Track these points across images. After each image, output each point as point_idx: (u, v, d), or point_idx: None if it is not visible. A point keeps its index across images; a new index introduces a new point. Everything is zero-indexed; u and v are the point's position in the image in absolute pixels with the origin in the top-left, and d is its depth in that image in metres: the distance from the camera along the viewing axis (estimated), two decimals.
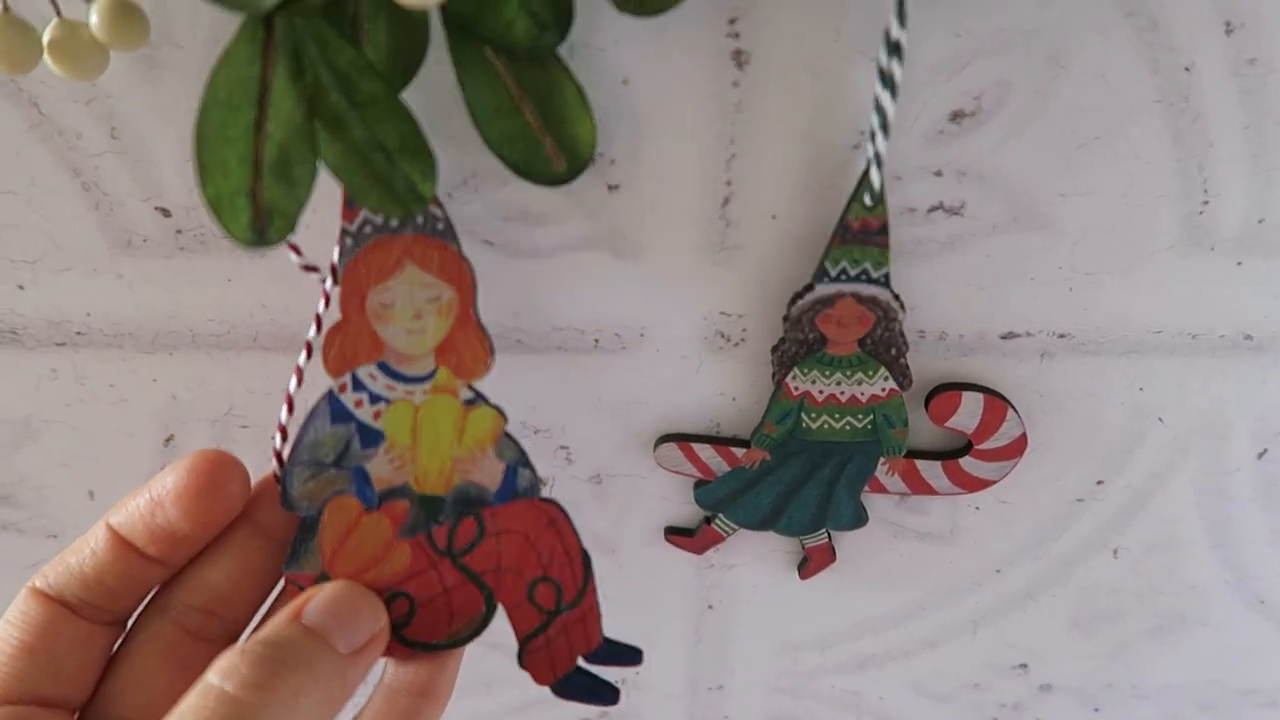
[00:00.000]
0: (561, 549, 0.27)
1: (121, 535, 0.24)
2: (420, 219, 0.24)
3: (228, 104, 0.20)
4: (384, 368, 0.25)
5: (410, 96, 0.25)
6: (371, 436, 0.26)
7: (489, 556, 0.26)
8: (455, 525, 0.26)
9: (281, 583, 0.26)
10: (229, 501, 0.25)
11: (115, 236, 0.27)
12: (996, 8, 0.24)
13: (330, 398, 0.25)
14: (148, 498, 0.24)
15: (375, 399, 0.25)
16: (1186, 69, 0.25)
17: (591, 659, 0.28)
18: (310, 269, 0.26)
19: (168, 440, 0.31)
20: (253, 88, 0.20)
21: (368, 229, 0.24)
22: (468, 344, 0.25)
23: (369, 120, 0.22)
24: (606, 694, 0.28)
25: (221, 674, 0.21)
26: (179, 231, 0.27)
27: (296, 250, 0.25)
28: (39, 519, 0.33)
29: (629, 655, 0.28)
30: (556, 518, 0.27)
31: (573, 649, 0.28)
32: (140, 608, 0.26)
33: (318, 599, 0.24)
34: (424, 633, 0.27)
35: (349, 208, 0.24)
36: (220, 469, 0.24)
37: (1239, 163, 0.26)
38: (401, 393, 0.26)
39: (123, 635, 0.26)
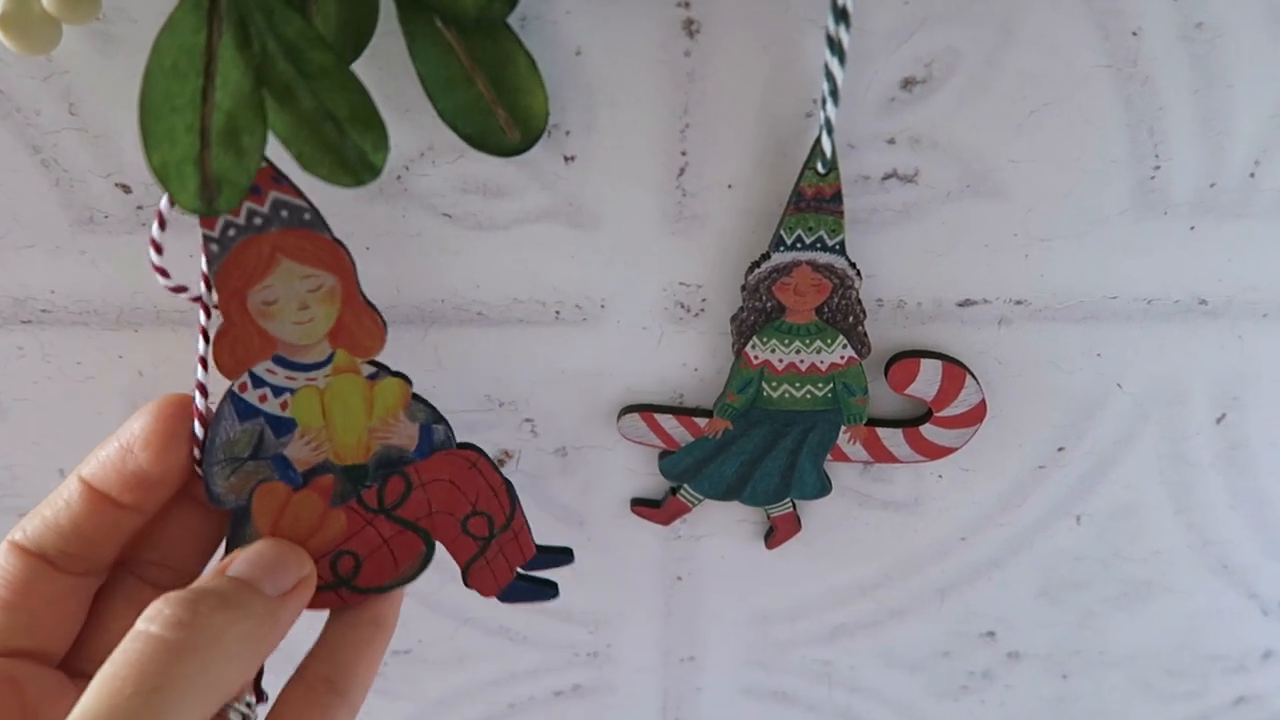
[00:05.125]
0: (486, 485, 0.28)
1: (94, 486, 0.25)
2: (285, 213, 0.24)
3: (173, 72, 0.20)
4: (280, 360, 0.26)
5: (365, 69, 0.25)
6: (283, 425, 0.26)
7: (420, 505, 0.28)
8: (383, 486, 0.27)
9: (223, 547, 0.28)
10: (194, 442, 0.26)
11: (76, 213, 0.28)
12: None
13: (232, 398, 0.26)
14: (117, 445, 0.25)
15: (278, 391, 0.26)
16: (1134, 34, 0.25)
17: (528, 567, 0.30)
18: (179, 290, 0.25)
19: None
20: (198, 56, 0.21)
21: (231, 232, 0.24)
22: (359, 324, 0.26)
23: (318, 91, 0.22)
24: (547, 592, 0.31)
25: (148, 618, 0.22)
26: (140, 208, 0.28)
27: (164, 273, 0.25)
28: (11, 498, 0.33)
29: (561, 557, 0.31)
30: (476, 460, 0.28)
31: (510, 563, 0.30)
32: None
33: (242, 555, 0.25)
34: (374, 580, 0.28)
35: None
36: (183, 410, 0.25)
37: (1189, 127, 0.27)
38: (303, 381, 0.26)
39: (99, 586, 0.26)
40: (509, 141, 0.25)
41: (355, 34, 0.23)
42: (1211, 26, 0.25)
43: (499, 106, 0.24)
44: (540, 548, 0.30)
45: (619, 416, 0.31)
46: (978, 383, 0.30)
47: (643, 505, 0.33)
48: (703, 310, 0.29)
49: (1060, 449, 0.33)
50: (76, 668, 0.26)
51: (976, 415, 0.30)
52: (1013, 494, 0.34)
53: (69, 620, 0.26)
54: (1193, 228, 0.28)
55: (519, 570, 0.30)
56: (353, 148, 0.23)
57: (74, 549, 0.25)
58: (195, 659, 0.22)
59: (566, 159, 0.27)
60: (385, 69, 0.25)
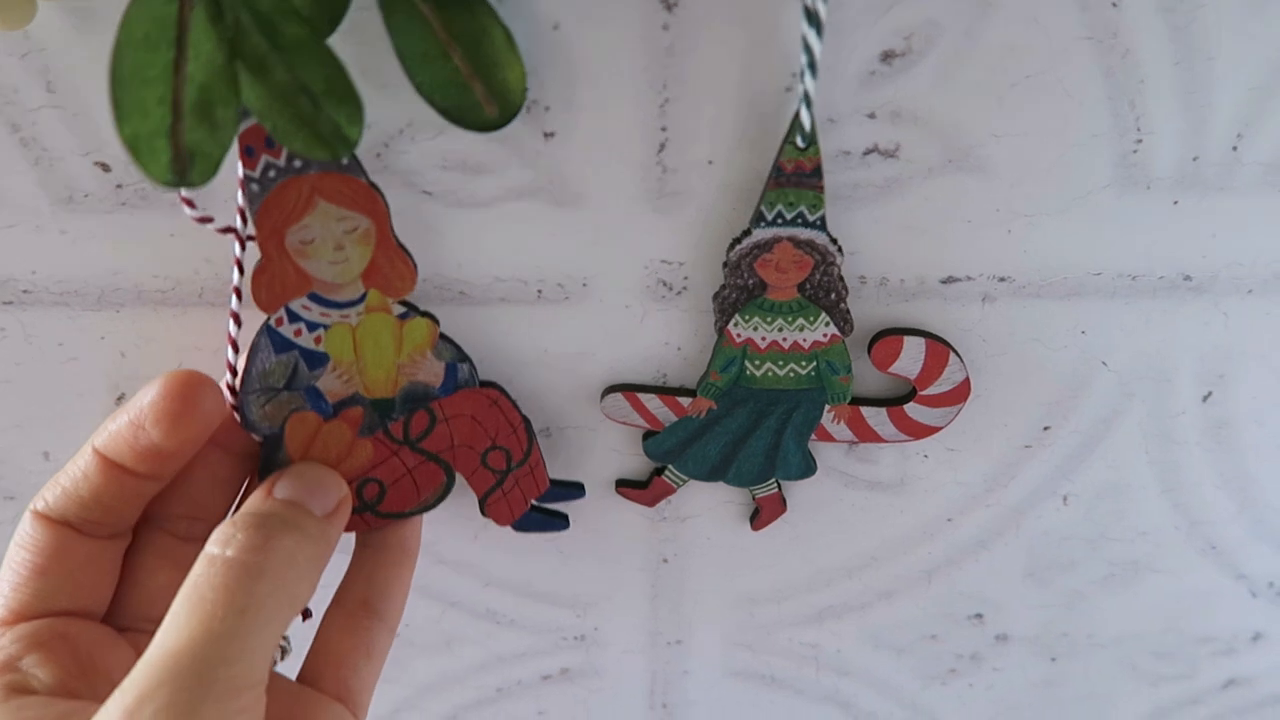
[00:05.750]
0: (505, 422, 0.30)
1: (108, 458, 0.25)
2: None
3: (144, 43, 0.20)
4: (315, 298, 0.27)
5: (343, 44, 0.25)
6: (316, 359, 0.28)
7: (443, 439, 0.29)
8: (409, 419, 0.29)
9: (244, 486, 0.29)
10: (206, 417, 0.26)
11: (57, 193, 0.27)
12: None
13: (269, 331, 0.27)
14: (127, 420, 0.25)
15: (313, 326, 0.27)
16: (1114, 5, 0.25)
17: (542, 500, 0.32)
18: (205, 220, 0.26)
19: (119, 399, 0.31)
20: (170, 28, 0.20)
21: (271, 173, 0.25)
22: (391, 265, 0.27)
23: (293, 64, 0.22)
24: (559, 523, 0.33)
25: (221, 543, 0.23)
26: (119, 186, 0.27)
27: (190, 204, 0.26)
28: None
29: (573, 491, 0.33)
30: (498, 398, 0.29)
31: (525, 495, 0.31)
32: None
33: (284, 478, 0.27)
34: (396, 506, 0.30)
35: (248, 155, 0.24)
36: (191, 388, 0.25)
37: (1171, 100, 0.26)
38: (337, 317, 0.27)
39: (127, 544, 0.27)
40: (487, 116, 0.25)
41: (331, 8, 0.23)
42: None
43: (476, 80, 0.24)
44: (554, 481, 0.32)
45: (602, 396, 0.31)
46: (961, 360, 0.30)
47: (627, 486, 0.33)
48: (685, 288, 0.29)
49: (1046, 428, 0.32)
50: (117, 621, 0.27)
51: (961, 393, 0.30)
52: (999, 474, 0.34)
53: (104, 578, 0.26)
54: (1176, 202, 0.28)
55: (533, 502, 0.32)
56: (327, 121, 0.23)
57: (96, 516, 0.26)
58: (273, 579, 0.23)
59: (546, 135, 0.27)
60: (363, 44, 0.25)
